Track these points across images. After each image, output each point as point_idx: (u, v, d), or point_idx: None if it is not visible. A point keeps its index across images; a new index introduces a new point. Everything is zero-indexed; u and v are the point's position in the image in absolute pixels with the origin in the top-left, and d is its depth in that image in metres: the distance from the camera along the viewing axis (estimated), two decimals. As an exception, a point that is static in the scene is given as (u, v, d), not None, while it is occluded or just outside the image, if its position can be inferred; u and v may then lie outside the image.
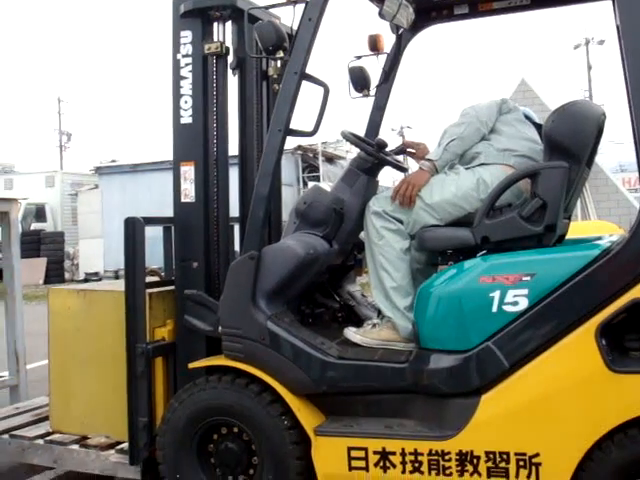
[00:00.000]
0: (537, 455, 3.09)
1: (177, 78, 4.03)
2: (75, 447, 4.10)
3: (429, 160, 3.69)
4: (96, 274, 20.51)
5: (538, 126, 3.87)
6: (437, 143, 3.73)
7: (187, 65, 4.01)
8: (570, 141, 3.40)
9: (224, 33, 4.10)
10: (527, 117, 3.92)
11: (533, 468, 3.09)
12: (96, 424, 4.17)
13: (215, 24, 4.05)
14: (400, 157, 4.40)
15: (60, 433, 4.25)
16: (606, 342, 3.04)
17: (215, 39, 4.05)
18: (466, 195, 3.60)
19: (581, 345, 3.06)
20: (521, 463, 3.10)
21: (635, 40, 3.13)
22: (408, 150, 4.38)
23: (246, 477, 3.62)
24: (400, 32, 4.34)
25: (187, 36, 4.00)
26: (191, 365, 3.79)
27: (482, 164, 3.66)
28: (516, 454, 3.11)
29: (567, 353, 3.10)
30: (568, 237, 3.76)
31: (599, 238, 3.54)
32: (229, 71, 4.18)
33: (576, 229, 4.08)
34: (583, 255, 3.18)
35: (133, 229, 3.83)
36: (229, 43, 4.14)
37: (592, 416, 3.04)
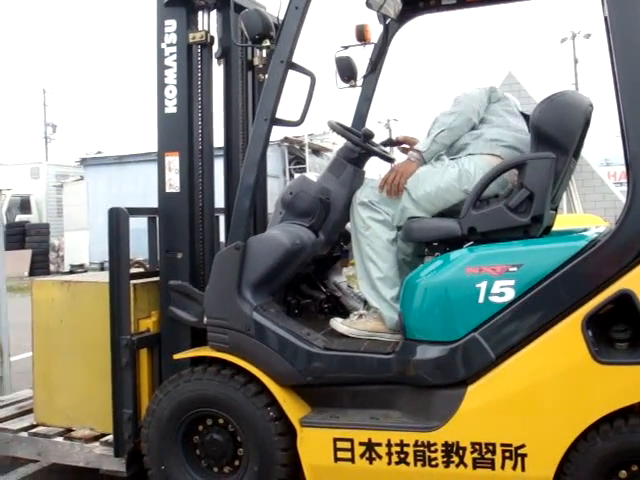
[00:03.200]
0: (523, 446, 3.09)
1: (161, 68, 3.99)
2: (59, 439, 4.07)
3: (417, 151, 3.68)
4: (81, 266, 20.41)
5: (524, 115, 3.86)
6: (427, 132, 3.71)
7: (172, 54, 3.97)
8: (557, 132, 3.39)
9: (209, 22, 4.07)
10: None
11: (519, 459, 3.09)
12: (81, 416, 4.14)
13: (200, 13, 4.03)
14: (387, 148, 4.38)
15: (44, 425, 4.22)
16: (592, 333, 3.04)
17: (200, 28, 4.02)
18: (449, 187, 3.59)
19: (567, 336, 3.06)
20: (507, 454, 3.10)
21: (623, 32, 3.12)
22: (403, 146, 4.36)
23: (231, 468, 3.61)
24: (387, 22, 4.31)
25: (171, 25, 3.96)
26: (176, 356, 3.78)
27: (468, 154, 3.65)
28: (502, 445, 3.11)
29: (553, 344, 3.10)
30: (554, 229, 3.76)
31: (586, 230, 3.53)
32: (214, 60, 4.15)
33: (562, 222, 4.07)
34: (570, 246, 3.18)
35: (117, 220, 3.80)
36: (214, 32, 4.11)
37: (578, 407, 3.04)
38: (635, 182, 3.06)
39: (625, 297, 3.01)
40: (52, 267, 22.15)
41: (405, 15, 4.30)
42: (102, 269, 18.30)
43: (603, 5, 3.29)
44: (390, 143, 4.46)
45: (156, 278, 4.08)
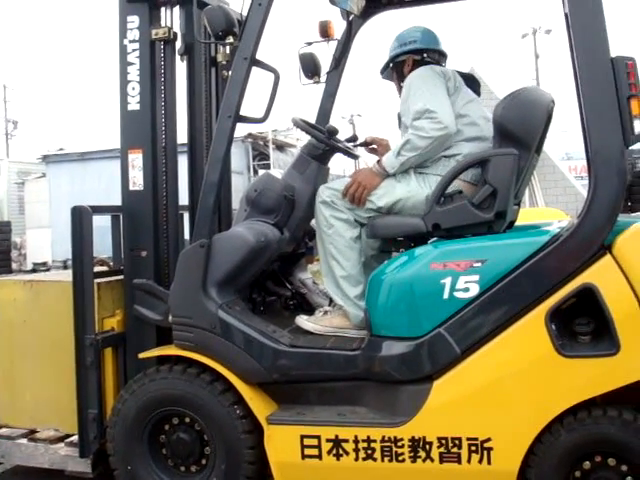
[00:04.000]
0: (489, 440, 3.11)
1: (124, 64, 3.97)
2: (23, 441, 4.03)
3: (382, 167, 3.62)
4: (44, 264, 20.19)
5: (465, 77, 3.85)
6: (396, 150, 3.59)
7: (134, 51, 3.95)
8: (519, 128, 3.41)
9: (172, 18, 4.06)
10: (463, 77, 3.88)
11: (485, 452, 3.11)
12: (45, 417, 4.09)
13: (162, 9, 4.02)
14: (351, 144, 4.38)
15: (7, 427, 4.16)
16: (556, 327, 3.07)
17: (163, 24, 4.00)
18: (415, 207, 3.57)
19: (531, 330, 3.09)
20: (473, 448, 3.13)
21: (583, 28, 3.14)
22: (371, 147, 4.36)
23: (198, 467, 3.59)
24: (351, 18, 4.31)
25: (134, 21, 3.93)
26: (141, 355, 3.75)
27: (437, 175, 3.59)
28: (468, 439, 3.13)
29: (518, 338, 3.12)
30: (517, 223, 3.79)
31: (548, 224, 3.57)
32: (177, 57, 4.13)
33: (525, 216, 4.11)
34: (533, 241, 3.21)
35: (80, 218, 3.76)
36: (177, 28, 4.09)
37: (542, 400, 3.08)
38: (596, 176, 3.09)
39: (587, 291, 3.05)
40: (14, 265, 21.80)
41: (368, 11, 4.31)
42: (65, 267, 18.14)
43: (564, 2, 3.31)
44: (359, 144, 4.45)
45: (120, 276, 4.06)
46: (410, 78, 3.72)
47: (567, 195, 15.91)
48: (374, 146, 4.32)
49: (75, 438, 3.87)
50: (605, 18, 3.10)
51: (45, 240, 20.77)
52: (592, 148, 3.13)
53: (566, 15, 3.32)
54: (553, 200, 15.24)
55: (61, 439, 3.98)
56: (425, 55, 3.91)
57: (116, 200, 4.12)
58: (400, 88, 3.91)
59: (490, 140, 3.65)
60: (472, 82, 3.88)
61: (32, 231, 22.05)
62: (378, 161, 3.70)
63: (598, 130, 3.12)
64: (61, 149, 23.13)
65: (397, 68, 4.01)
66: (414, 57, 3.92)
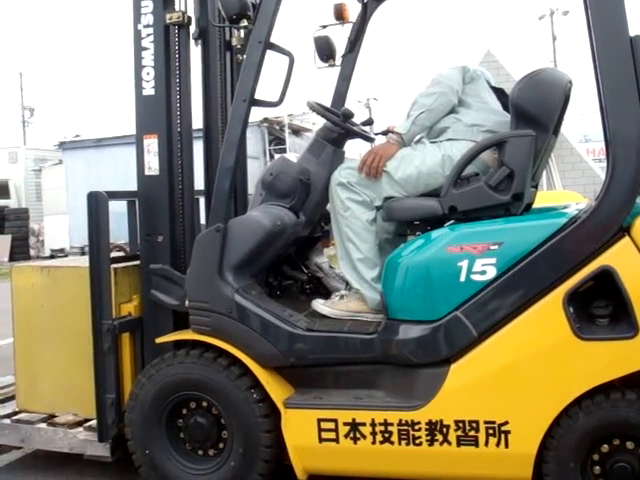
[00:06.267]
0: (506, 423, 3.10)
1: (138, 49, 3.95)
2: (42, 426, 4.05)
3: (396, 133, 3.66)
4: (62, 250, 20.30)
5: (495, 90, 3.85)
6: (406, 114, 3.68)
7: (148, 35, 3.93)
8: (537, 109, 3.39)
9: (186, 2, 4.03)
10: (493, 89, 3.89)
11: (502, 436, 3.11)
12: (63, 402, 4.12)
13: (176, -7, 3.98)
14: (367, 127, 4.36)
15: (27, 412, 4.19)
16: (573, 310, 3.05)
17: (177, 8, 3.97)
18: (431, 171, 3.57)
19: (549, 313, 3.07)
20: (490, 431, 3.12)
21: (602, 7, 3.11)
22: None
23: (216, 451, 3.60)
24: (366, 1, 4.28)
25: (148, 6, 3.92)
26: (158, 340, 3.76)
27: (449, 139, 3.63)
28: (485, 422, 3.12)
29: (535, 321, 3.11)
30: (535, 206, 3.77)
31: (566, 207, 3.54)
32: (192, 41, 4.11)
33: (542, 199, 4.08)
34: (551, 223, 3.19)
35: (96, 204, 3.77)
36: (191, 12, 4.07)
37: (560, 383, 3.06)
38: (615, 159, 3.06)
39: (605, 273, 3.03)
40: (32, 252, 22.00)
41: (383, -7, 4.27)
42: (83, 253, 18.20)
43: (581, -19, 3.27)
44: (379, 132, 4.42)
45: (137, 262, 4.06)
46: None
47: (585, 177, 15.83)
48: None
49: (93, 422, 3.88)
50: (624, -3, 3.06)
51: (62, 226, 20.88)
52: (610, 129, 3.10)
53: (584, -5, 3.28)
54: (571, 183, 15.17)
55: (80, 423, 4.00)
56: None
57: (132, 186, 4.13)
58: None
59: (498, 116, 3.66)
60: (501, 94, 3.84)
61: (49, 218, 22.18)
62: (392, 131, 3.71)
63: (616, 111, 3.09)
64: (77, 136, 23.16)
65: None
66: None
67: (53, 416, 4.11)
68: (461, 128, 3.64)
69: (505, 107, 3.72)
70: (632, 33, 3.05)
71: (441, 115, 3.66)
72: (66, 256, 18.59)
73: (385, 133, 4.33)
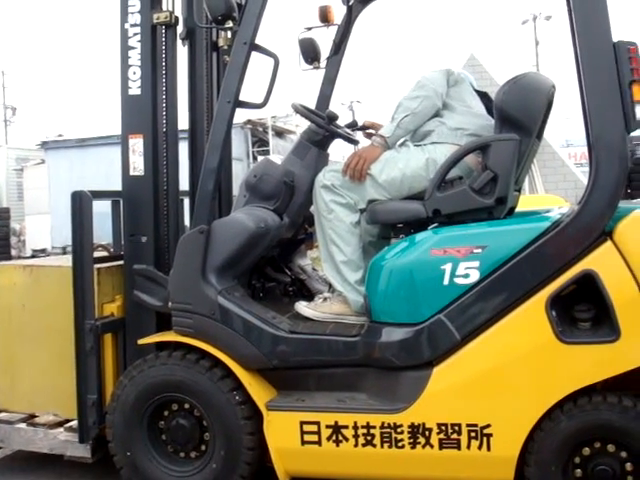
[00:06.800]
0: (488, 426, 3.11)
1: (125, 48, 3.94)
2: (22, 426, 4.03)
3: (381, 136, 3.67)
4: (43, 251, 20.17)
5: (479, 93, 3.87)
6: (390, 117, 3.69)
7: (135, 35, 3.92)
8: (521, 113, 3.41)
9: (173, 2, 4.02)
10: (478, 93, 3.91)
11: (484, 439, 3.12)
12: (44, 402, 4.10)
13: (164, -7, 3.97)
14: (351, 130, 4.37)
15: (7, 412, 4.17)
16: (556, 313, 3.07)
17: (164, 8, 3.97)
18: (415, 174, 3.58)
19: (532, 317, 3.09)
20: (472, 434, 3.13)
21: (586, 12, 3.13)
22: (368, 131, 4.35)
23: (198, 453, 3.59)
24: (351, 3, 4.29)
25: (135, 5, 3.91)
26: (141, 341, 3.75)
27: (433, 143, 3.64)
28: (467, 425, 3.13)
29: (518, 325, 3.12)
30: (518, 210, 3.78)
31: (549, 211, 3.56)
32: (179, 42, 4.11)
33: (524, 202, 4.10)
34: (534, 227, 3.20)
35: (80, 203, 3.76)
36: (179, 13, 4.06)
37: (542, 386, 3.08)
38: (597, 163, 3.08)
39: (588, 277, 3.05)
40: (13, 252, 21.74)
41: (368, -4, 4.28)
42: (64, 253, 18.10)
43: (566, -13, 3.29)
44: (357, 127, 4.45)
45: (120, 262, 4.05)
46: None
47: (567, 182, 15.93)
48: (372, 131, 4.31)
49: (74, 423, 3.87)
50: (607, 3, 3.08)
51: (44, 227, 20.74)
52: (593, 134, 3.12)
53: (568, 0, 3.30)
54: (553, 187, 15.26)
55: (60, 424, 3.99)
56: None
57: (114, 187, 4.12)
58: None
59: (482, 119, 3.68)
60: (485, 98, 3.86)
61: (31, 217, 22.04)
62: (376, 133, 3.72)
63: (599, 116, 3.11)
64: (60, 135, 23.04)
65: None
66: None
67: (33, 416, 4.09)
68: (445, 131, 3.65)
69: (489, 111, 3.74)
70: (615, 39, 3.08)
71: (425, 118, 3.67)
72: (48, 256, 18.49)
73: (363, 129, 4.36)
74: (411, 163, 3.59)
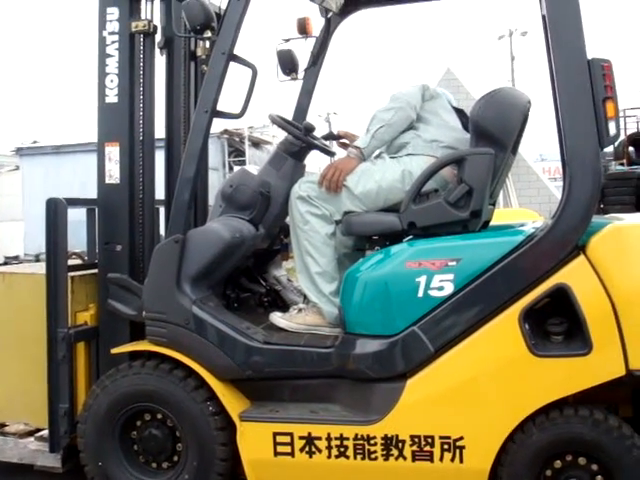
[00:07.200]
0: (461, 438, 3.12)
1: (103, 56, 3.93)
2: (-8, 435, 3.98)
3: (356, 147, 3.68)
4: (16, 258, 19.99)
5: (457, 110, 3.90)
6: (365, 129, 3.71)
7: (113, 43, 3.91)
8: (496, 128, 3.43)
9: (152, 11, 4.02)
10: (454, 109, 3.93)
11: (457, 451, 3.12)
12: (14, 411, 4.05)
13: (143, 1, 3.97)
14: (328, 142, 4.39)
15: (-24, 421, 4.12)
16: (529, 327, 3.09)
17: (143, 17, 3.97)
18: (391, 186, 3.60)
19: (505, 330, 3.11)
20: (445, 446, 3.14)
21: (561, 29, 3.16)
22: (342, 141, 4.37)
23: (170, 464, 3.57)
24: (329, 16, 4.32)
25: (113, 13, 3.90)
26: (114, 350, 3.72)
27: (409, 154, 3.66)
28: (440, 437, 3.14)
29: (491, 338, 3.14)
30: (492, 224, 3.81)
31: (523, 224, 3.59)
32: (157, 50, 4.11)
33: (499, 216, 4.13)
34: (508, 241, 3.22)
35: (55, 210, 3.73)
36: (157, 21, 4.06)
37: (515, 399, 3.09)
38: (571, 178, 3.11)
39: (561, 291, 3.07)
40: (-15, 259, 21.66)
41: (346, 9, 4.31)
42: (37, 261, 17.96)
43: (541, 3, 3.33)
44: (331, 137, 4.47)
45: (94, 270, 4.02)
46: None
47: (541, 196, 16.06)
48: (345, 140, 4.32)
49: (45, 432, 3.83)
50: (582, 20, 3.12)
51: (17, 233, 20.61)
52: (567, 149, 3.15)
53: (543, 17, 3.34)
54: (527, 201, 15.37)
55: (31, 433, 3.94)
56: None
57: (90, 194, 4.10)
58: None
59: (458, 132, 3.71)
60: (461, 115, 3.88)
61: (4, 224, 21.88)
62: (351, 144, 3.74)
63: (574, 131, 3.14)
64: (35, 142, 22.93)
65: None
66: None
67: (3, 425, 4.05)
68: (420, 143, 3.67)
69: (465, 127, 3.76)
70: (589, 56, 3.12)
71: (400, 130, 3.69)
72: (20, 263, 18.32)
73: (337, 138, 4.37)
74: (387, 175, 3.60)
